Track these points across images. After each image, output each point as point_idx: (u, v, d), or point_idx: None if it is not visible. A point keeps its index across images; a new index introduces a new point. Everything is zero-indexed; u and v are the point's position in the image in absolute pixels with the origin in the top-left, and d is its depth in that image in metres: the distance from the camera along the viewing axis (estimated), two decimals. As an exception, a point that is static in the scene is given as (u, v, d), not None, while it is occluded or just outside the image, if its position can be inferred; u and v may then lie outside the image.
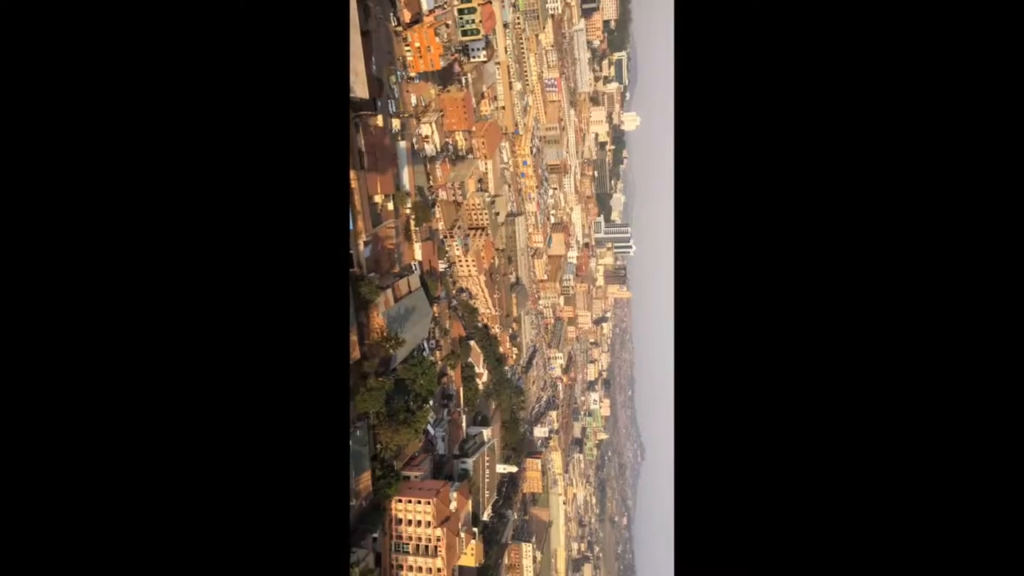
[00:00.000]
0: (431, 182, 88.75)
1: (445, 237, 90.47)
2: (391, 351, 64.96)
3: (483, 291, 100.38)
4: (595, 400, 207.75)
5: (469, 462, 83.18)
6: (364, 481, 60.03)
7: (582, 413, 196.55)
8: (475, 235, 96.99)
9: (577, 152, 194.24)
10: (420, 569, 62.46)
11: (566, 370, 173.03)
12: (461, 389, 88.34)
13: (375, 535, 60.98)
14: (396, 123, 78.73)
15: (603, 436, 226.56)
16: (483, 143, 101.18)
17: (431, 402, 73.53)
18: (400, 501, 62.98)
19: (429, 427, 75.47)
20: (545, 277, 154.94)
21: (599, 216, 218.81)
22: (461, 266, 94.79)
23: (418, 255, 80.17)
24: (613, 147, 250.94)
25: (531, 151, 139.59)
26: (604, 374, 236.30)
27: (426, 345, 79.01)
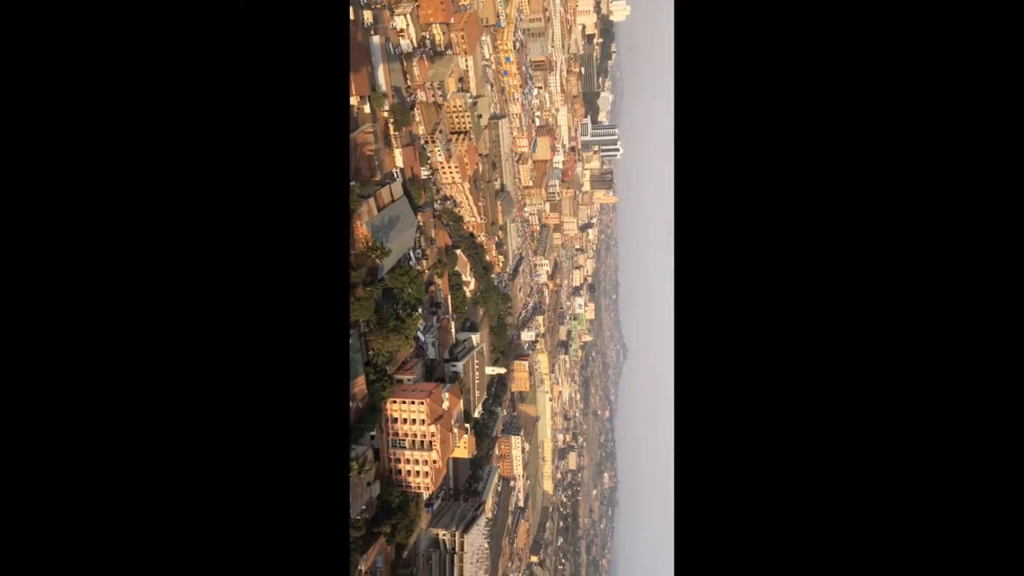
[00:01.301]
0: (408, 82, 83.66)
1: (426, 142, 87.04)
2: (377, 261, 64.94)
3: (468, 199, 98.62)
4: (580, 304, 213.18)
5: (459, 365, 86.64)
6: (359, 385, 62.64)
7: (568, 317, 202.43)
8: (457, 140, 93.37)
9: (563, 46, 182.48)
10: (417, 461, 67.22)
11: (552, 276, 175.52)
12: (449, 297, 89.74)
13: (372, 433, 64.83)
14: (368, 15, 72.56)
15: (588, 338, 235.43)
16: (462, 37, 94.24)
17: (420, 310, 74.92)
18: (395, 402, 66.24)
19: (419, 334, 77.55)
20: (530, 183, 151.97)
21: (586, 117, 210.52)
22: (444, 173, 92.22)
23: (399, 162, 77.51)
24: (601, 40, 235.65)
25: (514, 46, 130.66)
26: (589, 279, 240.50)
27: (412, 254, 78.92)
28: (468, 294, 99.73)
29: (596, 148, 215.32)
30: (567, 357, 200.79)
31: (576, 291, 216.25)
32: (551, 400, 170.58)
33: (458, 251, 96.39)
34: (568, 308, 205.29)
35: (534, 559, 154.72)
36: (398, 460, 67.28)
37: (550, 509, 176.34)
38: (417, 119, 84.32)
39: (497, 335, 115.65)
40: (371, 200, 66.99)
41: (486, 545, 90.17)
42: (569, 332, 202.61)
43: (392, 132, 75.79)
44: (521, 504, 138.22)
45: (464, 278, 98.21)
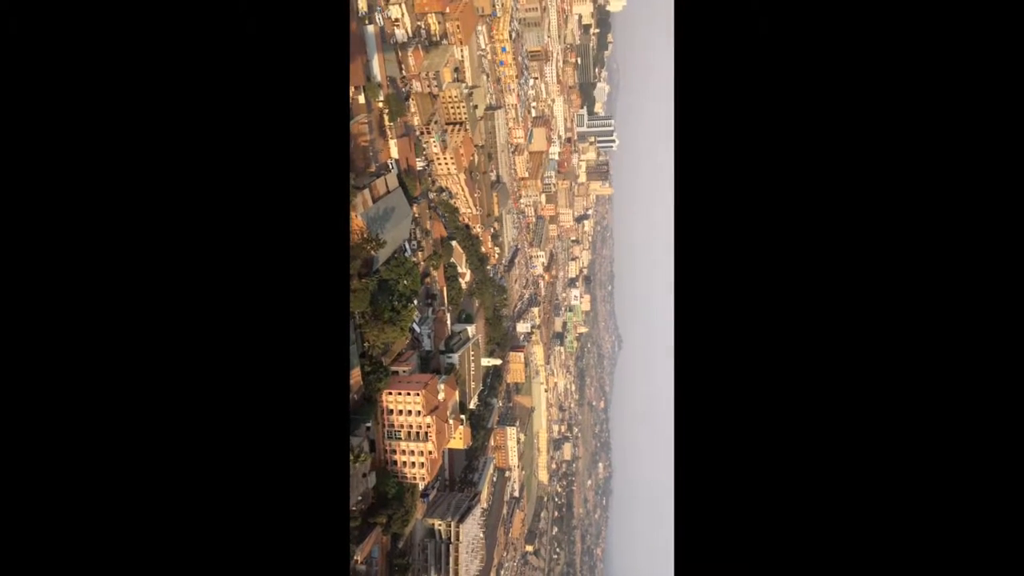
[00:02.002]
0: (403, 72, 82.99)
1: (422, 133, 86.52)
2: (372, 252, 64.79)
3: (463, 190, 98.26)
4: (576, 296, 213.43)
5: (455, 357, 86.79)
6: (355, 377, 62.71)
7: (563, 309, 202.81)
8: (453, 131, 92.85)
9: (559, 36, 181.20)
10: (412, 452, 67.51)
11: (548, 268, 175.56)
12: (445, 288, 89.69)
13: (368, 424, 65.00)
14: (362, 4, 71.81)
15: (583, 329, 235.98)
16: (458, 27, 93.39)
17: (415, 301, 74.87)
18: (390, 394, 66.38)
19: (415, 325, 77.55)
20: (526, 174, 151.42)
21: (582, 108, 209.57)
22: (440, 164, 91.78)
23: (394, 153, 77.11)
24: (598, 30, 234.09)
25: (510, 36, 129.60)
26: (585, 271, 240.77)
27: (407, 246, 78.73)
28: (464, 286, 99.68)
29: (592, 139, 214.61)
30: (562, 348, 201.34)
31: (572, 282, 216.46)
32: (546, 391, 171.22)
33: (454, 243, 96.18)
34: (564, 299, 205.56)
35: (529, 548, 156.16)
36: (394, 451, 67.54)
37: (545, 499, 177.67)
38: (412, 110, 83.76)
39: (493, 327, 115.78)
40: (366, 191, 66.69)
41: (481, 535, 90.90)
42: (564, 323, 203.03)
43: (387, 123, 75.30)
44: (516, 494, 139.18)
45: (460, 270, 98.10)
